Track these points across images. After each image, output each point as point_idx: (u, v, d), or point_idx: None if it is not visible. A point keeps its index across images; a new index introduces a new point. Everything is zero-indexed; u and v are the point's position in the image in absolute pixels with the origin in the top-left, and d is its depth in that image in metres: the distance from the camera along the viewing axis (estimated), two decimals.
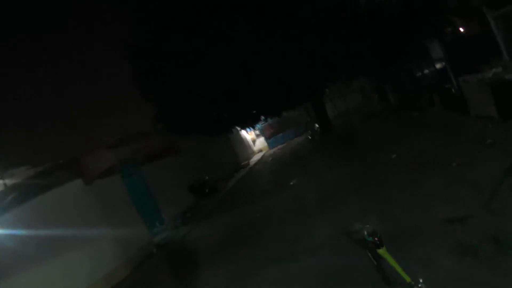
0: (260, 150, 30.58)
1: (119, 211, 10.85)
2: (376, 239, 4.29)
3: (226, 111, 17.61)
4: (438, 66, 13.14)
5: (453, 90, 11.36)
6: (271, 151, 28.58)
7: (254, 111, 19.38)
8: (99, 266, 9.47)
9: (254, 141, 31.74)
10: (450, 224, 5.16)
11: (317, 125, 23.11)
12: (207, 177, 17.75)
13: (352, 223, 6.39)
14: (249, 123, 21.12)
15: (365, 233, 4.48)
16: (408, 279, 3.86)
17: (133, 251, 10.56)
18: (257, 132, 31.92)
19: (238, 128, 23.34)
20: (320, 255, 6.14)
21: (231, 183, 19.30)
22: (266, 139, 30.41)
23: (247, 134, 30.46)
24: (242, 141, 28.33)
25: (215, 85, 14.78)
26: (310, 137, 23.50)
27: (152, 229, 12.19)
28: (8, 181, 11.80)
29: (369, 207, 7.27)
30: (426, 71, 14.30)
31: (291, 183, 12.80)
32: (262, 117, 21.39)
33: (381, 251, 4.25)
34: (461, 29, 12.75)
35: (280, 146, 28.05)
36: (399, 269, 3.97)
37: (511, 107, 8.00)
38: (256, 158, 27.22)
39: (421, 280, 3.88)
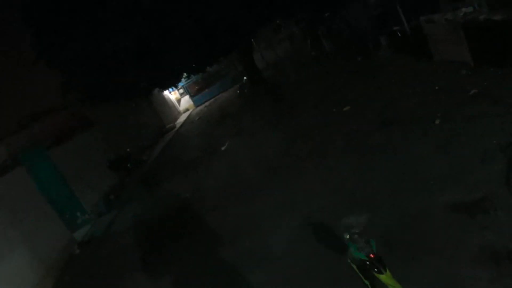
0: (187, 109, 28.61)
1: (29, 212, 8.78)
2: (371, 256, 2.96)
3: (142, 71, 15.20)
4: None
5: (405, 32, 9.97)
6: (198, 109, 26.83)
7: (175, 68, 17.19)
8: None
9: (179, 101, 29.55)
10: (464, 214, 3.95)
11: (245, 78, 21.64)
12: (129, 149, 15.76)
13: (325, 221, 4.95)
14: (170, 82, 18.99)
15: (353, 245, 3.12)
16: None
17: (52, 258, 8.65)
18: (181, 90, 29.68)
19: (159, 89, 21.04)
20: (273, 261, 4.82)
21: (157, 150, 17.48)
22: (191, 97, 28.41)
23: (171, 94, 28.18)
24: (165, 102, 26.08)
25: (123, 39, 12.37)
26: (238, 91, 22.09)
27: (71, 224, 10.23)
28: None
29: (330, 183, 5.95)
30: (368, 12, 12.85)
31: (223, 148, 11.55)
32: (185, 74, 19.38)
33: (384, 278, 2.98)
34: None
35: (207, 103, 26.34)
36: None
37: (489, 51, 6.86)
38: (182, 118, 25.33)
39: None
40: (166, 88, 21.37)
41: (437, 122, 5.99)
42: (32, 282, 7.72)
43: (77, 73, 14.14)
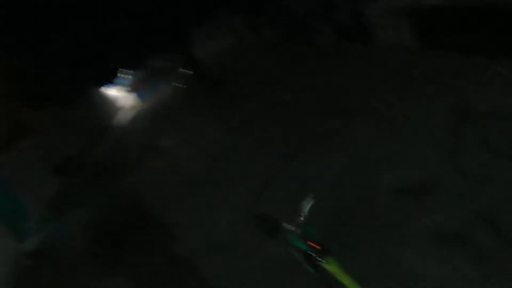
0: (131, 106, 28.08)
1: None
2: (313, 245, 2.83)
3: (77, 67, 14.92)
4: None
5: (348, 18, 9.93)
6: (142, 104, 26.42)
7: (111, 65, 16.97)
8: None
9: (121, 97, 28.91)
10: (410, 196, 4.05)
11: (188, 72, 21.70)
12: (71, 152, 15.50)
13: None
14: (108, 79, 18.70)
15: (293, 235, 3.00)
16: None
17: (1, 273, 8.41)
18: (124, 87, 29.04)
19: (98, 87, 20.59)
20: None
21: (101, 151, 17.22)
22: (135, 93, 27.93)
23: (111, 91, 27.52)
24: (106, 100, 25.46)
25: (58, 41, 12.16)
26: (182, 86, 22.10)
27: (20, 234, 9.93)
28: None
29: (273, 173, 6.05)
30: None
31: (165, 144, 11.64)
32: (125, 71, 19.15)
33: (329, 266, 2.82)
34: None
35: (151, 99, 26.01)
36: None
37: (430, 35, 7.16)
38: (126, 115, 24.90)
39: None
40: (104, 84, 20.92)
41: (381, 105, 6.15)
42: None
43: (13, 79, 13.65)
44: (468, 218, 3.49)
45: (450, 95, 5.47)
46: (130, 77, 25.36)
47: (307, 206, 2.99)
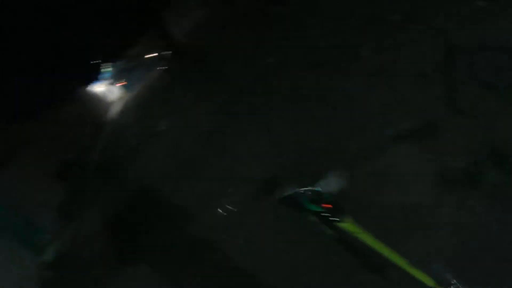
0: (119, 98, 27.58)
1: None
2: (326, 206, 2.77)
3: (58, 74, 14.45)
4: None
5: None
6: (130, 94, 25.94)
7: (94, 62, 16.41)
8: None
9: (109, 91, 28.36)
10: (413, 143, 3.97)
11: (168, 53, 21.13)
12: (71, 155, 15.27)
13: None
14: (92, 77, 18.18)
15: (305, 199, 2.87)
16: (429, 281, 2.59)
17: None
18: (109, 81, 28.44)
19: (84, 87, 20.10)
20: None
21: (100, 147, 16.98)
22: (121, 84, 27.32)
23: (99, 88, 26.95)
24: (95, 97, 24.99)
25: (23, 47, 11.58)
26: (165, 68, 21.54)
27: (35, 248, 9.95)
28: None
29: (273, 142, 5.94)
30: None
31: (160, 128, 11.50)
32: (106, 65, 18.60)
33: (346, 226, 2.79)
34: None
35: (137, 87, 25.52)
36: (400, 261, 2.64)
37: None
38: (117, 108, 24.49)
39: (454, 281, 2.66)
40: (90, 83, 20.43)
41: (365, 54, 6.01)
42: None
43: None
44: (475, 156, 3.43)
45: (434, 34, 5.35)
46: (111, 69, 24.72)
47: (334, 183, 2.97)
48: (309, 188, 2.89)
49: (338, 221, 2.78)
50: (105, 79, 27.21)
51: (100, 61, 16.58)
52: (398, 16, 6.36)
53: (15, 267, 8.87)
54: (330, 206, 2.78)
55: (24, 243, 9.75)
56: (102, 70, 18.42)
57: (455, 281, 2.70)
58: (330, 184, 2.98)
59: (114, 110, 24.03)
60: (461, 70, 4.49)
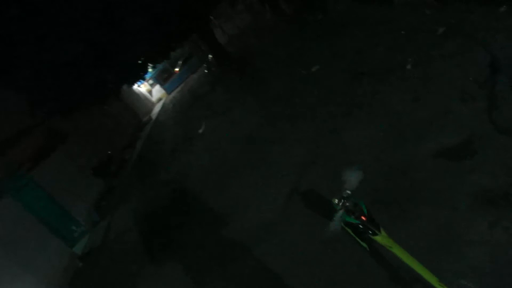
0: (160, 99, 28.14)
1: (25, 238, 8.72)
2: (363, 218, 2.79)
3: (104, 71, 14.73)
4: None
5: None
6: (171, 96, 26.40)
7: (136, 62, 16.71)
8: None
9: (150, 92, 29.00)
10: (452, 159, 3.81)
11: (210, 56, 21.28)
12: (109, 152, 15.57)
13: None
14: (136, 77, 18.54)
15: (342, 210, 2.88)
16: None
17: (56, 277, 8.71)
18: (151, 81, 29.12)
19: (128, 85, 20.55)
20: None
21: (138, 146, 17.32)
22: (162, 85, 27.87)
23: (141, 87, 27.63)
24: (137, 97, 25.60)
25: (75, 46, 11.88)
26: (206, 71, 21.83)
27: (69, 239, 10.23)
28: None
29: (311, 147, 5.83)
30: None
31: (200, 131, 11.44)
32: (150, 65, 18.95)
33: (380, 239, 2.79)
34: None
35: (178, 89, 25.93)
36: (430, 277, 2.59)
37: None
38: (157, 109, 24.94)
39: None
40: (134, 83, 20.91)
41: (408, 67, 5.81)
42: None
43: (39, 87, 13.62)
44: None
45: (476, 48, 5.11)
46: (154, 70, 25.31)
47: (354, 179, 2.95)
48: (345, 195, 2.89)
49: (372, 234, 2.82)
50: (147, 79, 27.93)
51: (143, 61, 16.82)
52: (441, 28, 6.20)
53: (49, 256, 9.03)
54: (364, 218, 2.81)
55: (59, 234, 9.98)
56: (145, 70, 18.71)
57: None
58: (351, 179, 2.97)
59: (155, 111, 24.57)
60: (504, 85, 4.27)
